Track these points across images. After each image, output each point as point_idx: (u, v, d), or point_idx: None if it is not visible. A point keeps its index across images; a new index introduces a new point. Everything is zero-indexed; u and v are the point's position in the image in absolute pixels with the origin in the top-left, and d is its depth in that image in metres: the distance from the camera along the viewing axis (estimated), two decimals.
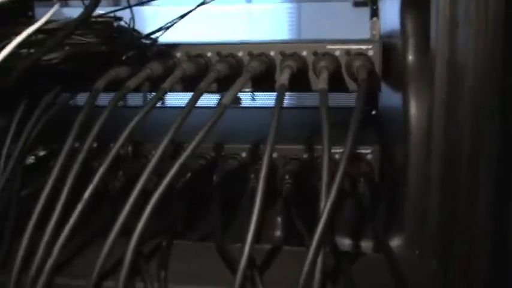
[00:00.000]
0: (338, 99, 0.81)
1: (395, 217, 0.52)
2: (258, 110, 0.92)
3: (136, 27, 0.68)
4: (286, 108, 0.90)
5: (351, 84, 0.61)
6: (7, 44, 0.50)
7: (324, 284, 0.42)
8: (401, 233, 0.50)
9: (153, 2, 0.78)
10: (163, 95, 0.53)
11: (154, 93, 0.55)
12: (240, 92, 0.58)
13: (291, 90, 0.59)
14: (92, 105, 0.53)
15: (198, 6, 0.67)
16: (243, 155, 0.64)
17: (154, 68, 0.58)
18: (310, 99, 0.93)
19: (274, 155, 0.62)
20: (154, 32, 0.66)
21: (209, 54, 0.62)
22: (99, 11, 0.76)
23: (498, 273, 0.44)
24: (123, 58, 0.63)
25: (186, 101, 0.50)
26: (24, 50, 0.53)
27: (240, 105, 0.94)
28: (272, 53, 0.62)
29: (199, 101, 0.51)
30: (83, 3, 0.65)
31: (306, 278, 0.39)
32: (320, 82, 0.52)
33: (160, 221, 0.53)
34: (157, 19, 1.00)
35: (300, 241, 0.55)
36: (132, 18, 0.65)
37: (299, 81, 0.59)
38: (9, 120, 0.57)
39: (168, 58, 0.62)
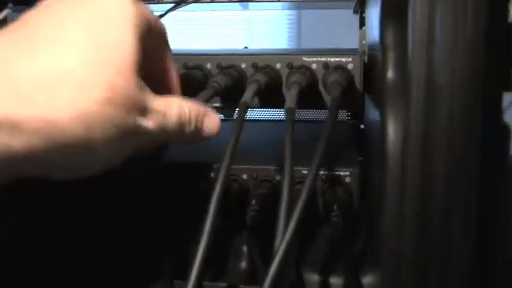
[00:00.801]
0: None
1: (370, 252, 0.47)
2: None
3: None
4: (264, 121, 0.86)
5: (328, 100, 0.55)
6: None
7: None
8: (375, 271, 0.45)
9: None
10: None
11: None
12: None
13: (260, 107, 0.54)
14: None
15: (166, 13, 0.62)
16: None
17: None
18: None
19: (244, 176, 0.57)
20: None
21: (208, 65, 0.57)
22: None
23: None
24: None
25: None
26: None
27: None
28: (243, 65, 0.56)
29: None
30: None
31: None
32: (287, 100, 0.47)
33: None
34: None
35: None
36: None
37: (270, 97, 0.54)
38: None
39: None
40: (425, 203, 0.36)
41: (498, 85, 0.34)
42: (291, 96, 0.48)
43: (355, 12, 1.00)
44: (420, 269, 0.38)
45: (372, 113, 0.60)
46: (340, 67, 0.55)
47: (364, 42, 0.82)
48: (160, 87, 0.41)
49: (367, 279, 0.45)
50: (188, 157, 0.59)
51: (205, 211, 0.39)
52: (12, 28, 0.32)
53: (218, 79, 0.52)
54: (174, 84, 0.45)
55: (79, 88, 0.30)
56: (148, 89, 0.36)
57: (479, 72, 0.32)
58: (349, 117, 0.87)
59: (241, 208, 0.54)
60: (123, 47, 0.34)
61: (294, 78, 0.51)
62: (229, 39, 2.84)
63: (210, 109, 0.42)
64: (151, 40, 0.38)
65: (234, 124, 0.43)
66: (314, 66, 0.56)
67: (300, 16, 2.85)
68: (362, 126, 0.82)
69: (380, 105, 0.48)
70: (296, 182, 0.56)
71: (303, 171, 0.56)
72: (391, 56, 0.48)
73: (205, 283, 0.53)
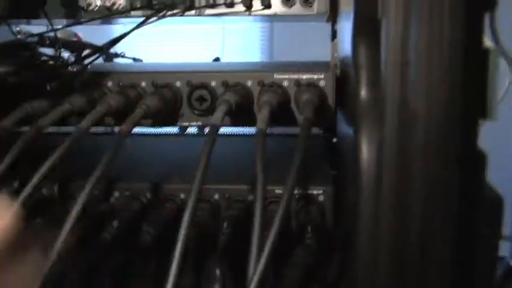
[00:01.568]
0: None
1: (346, 276, 0.46)
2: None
3: None
4: (238, 136, 0.85)
5: (300, 119, 0.54)
6: None
7: None
8: None
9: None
10: (80, 135, 0.46)
11: None
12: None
13: (231, 125, 0.53)
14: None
15: (135, 28, 0.60)
16: (182, 196, 0.57)
17: (76, 101, 0.51)
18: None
19: (216, 196, 0.56)
20: (84, 58, 0.60)
21: (143, 84, 0.56)
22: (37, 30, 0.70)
23: None
24: (48, 88, 0.56)
25: None
26: None
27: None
28: (213, 84, 0.55)
29: None
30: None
31: None
32: (258, 121, 0.46)
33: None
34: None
35: None
36: (57, 42, 0.58)
37: (240, 115, 0.52)
38: None
39: (97, 88, 0.55)
40: (401, 222, 0.35)
41: (474, 108, 0.33)
42: (262, 117, 0.46)
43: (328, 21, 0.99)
44: None
45: (345, 128, 0.59)
46: (312, 84, 0.54)
47: (336, 54, 0.81)
48: None
49: None
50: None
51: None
52: None
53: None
54: None
55: None
56: None
57: (455, 93, 0.31)
58: (321, 131, 0.86)
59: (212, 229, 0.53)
60: None
61: (265, 97, 0.50)
62: (201, 50, 2.82)
63: None
64: None
65: (204, 146, 0.42)
66: (286, 83, 0.55)
67: (272, 28, 2.86)
68: (335, 139, 0.81)
69: (353, 122, 0.47)
70: (269, 202, 0.55)
71: (276, 191, 0.55)
72: (363, 74, 0.46)
73: None
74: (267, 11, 0.68)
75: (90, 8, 0.70)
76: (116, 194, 0.57)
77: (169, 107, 0.54)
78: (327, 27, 0.85)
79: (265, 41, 2.91)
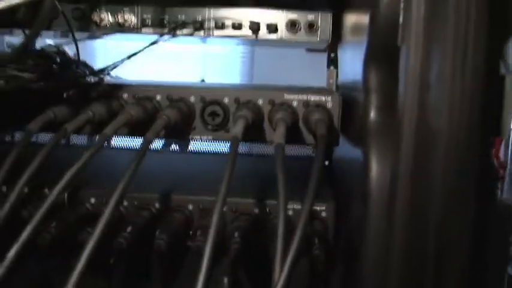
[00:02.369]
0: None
1: (352, 284, 0.48)
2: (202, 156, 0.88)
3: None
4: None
5: (308, 137, 0.58)
6: None
7: None
8: None
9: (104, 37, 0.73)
10: (104, 142, 0.48)
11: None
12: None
13: (243, 140, 0.56)
14: (24, 147, 0.47)
15: (148, 46, 0.63)
16: (190, 207, 0.59)
17: (97, 110, 0.53)
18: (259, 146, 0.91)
19: (224, 208, 0.58)
20: (101, 70, 0.62)
21: (158, 97, 0.58)
22: (49, 42, 0.72)
23: None
24: (65, 96, 0.58)
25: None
26: None
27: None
28: (226, 100, 0.58)
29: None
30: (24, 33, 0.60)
31: None
32: (276, 136, 0.48)
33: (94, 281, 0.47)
34: (106, 53, 0.95)
35: None
36: (77, 53, 0.60)
37: (253, 131, 0.55)
38: None
39: (113, 99, 0.57)
40: (416, 239, 0.38)
41: (491, 128, 0.36)
42: (279, 132, 0.49)
43: (308, 51, 1.03)
44: None
45: (347, 150, 0.63)
46: (320, 105, 0.57)
47: (331, 81, 0.85)
48: None
49: None
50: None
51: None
52: None
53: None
54: None
55: None
56: None
57: (476, 118, 0.34)
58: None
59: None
60: None
61: (280, 115, 0.53)
62: (182, 71, 2.84)
63: None
64: None
65: (228, 159, 0.45)
66: (295, 103, 0.58)
67: (253, 52, 2.91)
68: (326, 163, 0.85)
69: (362, 144, 0.50)
70: (274, 216, 0.58)
71: None
72: (373, 98, 0.50)
73: None
74: (272, 36, 0.72)
75: (103, 23, 0.72)
76: (125, 203, 0.59)
77: (185, 120, 0.56)
78: (305, 54, 0.90)
79: (245, 65, 2.97)
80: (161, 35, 0.66)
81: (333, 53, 0.85)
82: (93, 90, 0.58)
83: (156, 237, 0.52)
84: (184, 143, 0.88)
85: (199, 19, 0.71)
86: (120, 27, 0.72)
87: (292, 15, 0.72)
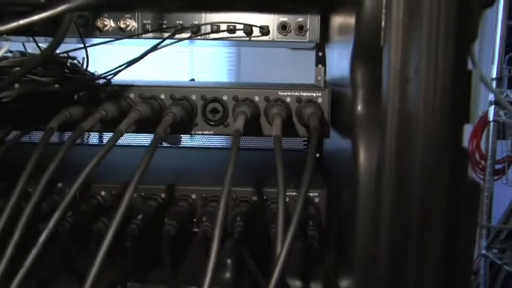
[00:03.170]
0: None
1: (345, 259, 0.54)
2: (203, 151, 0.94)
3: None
4: (227, 149, 0.93)
5: (301, 130, 0.63)
6: None
7: None
8: (351, 275, 0.52)
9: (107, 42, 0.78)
10: (119, 138, 0.53)
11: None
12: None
13: (243, 134, 0.61)
14: (45, 145, 0.52)
15: (149, 52, 0.68)
16: (193, 196, 0.64)
17: (109, 109, 0.58)
18: (250, 140, 0.96)
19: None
20: (107, 73, 0.67)
21: (162, 96, 0.63)
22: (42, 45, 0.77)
23: None
24: (75, 97, 0.63)
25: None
26: None
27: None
28: (225, 98, 0.63)
29: None
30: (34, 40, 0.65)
31: None
32: (274, 129, 0.54)
33: (111, 264, 0.52)
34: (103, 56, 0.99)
35: (249, 284, 0.56)
36: (86, 58, 0.65)
37: (251, 126, 0.61)
38: None
39: (121, 99, 0.62)
40: (400, 212, 0.44)
41: (461, 115, 0.42)
42: (276, 125, 0.55)
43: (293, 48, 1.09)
44: (396, 270, 0.45)
45: (336, 143, 0.68)
46: (311, 101, 0.63)
47: (320, 78, 0.90)
48: None
49: (344, 283, 0.52)
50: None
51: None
52: None
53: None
54: None
55: None
56: None
57: (449, 107, 0.40)
58: (305, 146, 0.96)
59: None
60: None
61: (276, 110, 0.58)
62: (170, 71, 2.90)
63: None
64: None
65: (231, 151, 0.50)
66: (288, 99, 0.63)
67: (239, 51, 2.98)
68: (317, 155, 0.91)
69: (351, 134, 0.56)
70: (271, 202, 0.63)
71: None
72: (360, 92, 0.56)
73: None
74: (265, 38, 0.77)
75: (105, 28, 0.77)
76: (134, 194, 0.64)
77: (188, 117, 0.61)
78: (290, 52, 0.96)
79: (232, 64, 3.03)
80: (162, 39, 0.71)
81: (320, 51, 0.91)
82: (103, 91, 0.63)
83: (165, 223, 0.58)
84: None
85: (196, 23, 0.77)
86: (122, 32, 0.77)
87: (283, 18, 0.77)
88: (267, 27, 0.77)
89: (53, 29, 0.60)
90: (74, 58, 0.64)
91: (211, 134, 0.64)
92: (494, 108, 2.17)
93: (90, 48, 0.70)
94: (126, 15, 0.77)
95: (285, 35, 0.78)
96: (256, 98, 0.63)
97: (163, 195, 0.64)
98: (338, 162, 0.67)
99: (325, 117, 0.63)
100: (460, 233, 0.44)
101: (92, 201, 0.64)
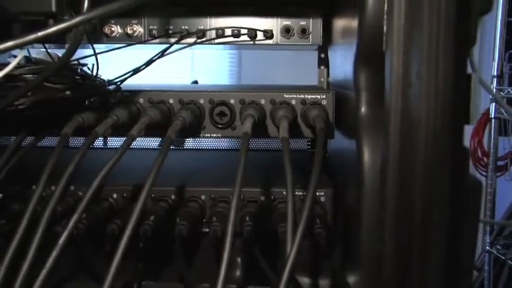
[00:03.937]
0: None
1: (351, 257, 0.56)
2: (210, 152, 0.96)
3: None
4: (234, 150, 0.95)
5: (306, 131, 0.65)
6: None
7: None
8: (357, 272, 0.54)
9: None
10: (132, 142, 0.55)
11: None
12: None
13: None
14: (61, 150, 0.54)
15: (157, 58, 0.70)
16: (203, 197, 0.66)
17: (120, 114, 0.60)
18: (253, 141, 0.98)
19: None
20: (117, 79, 0.69)
21: (171, 100, 0.65)
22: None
23: None
24: (86, 103, 0.65)
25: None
26: None
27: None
28: (232, 101, 0.65)
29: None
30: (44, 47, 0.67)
31: None
32: (281, 131, 0.56)
33: (125, 264, 0.54)
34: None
35: (259, 281, 0.58)
36: (97, 64, 0.67)
37: (257, 128, 0.62)
38: None
39: (131, 104, 0.64)
40: (404, 210, 0.46)
41: (461, 116, 0.44)
42: (283, 127, 0.56)
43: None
44: (401, 267, 0.47)
45: (340, 143, 0.70)
46: (316, 103, 0.65)
47: (322, 79, 0.92)
48: None
49: (350, 279, 0.54)
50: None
51: None
52: None
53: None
54: None
55: None
56: None
57: (449, 109, 0.42)
58: (309, 147, 0.97)
59: None
60: None
61: (282, 112, 0.60)
62: (171, 73, 2.92)
63: None
64: None
65: (240, 153, 0.52)
66: (293, 102, 0.65)
67: (240, 54, 3.00)
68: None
69: (355, 136, 0.58)
70: (278, 202, 0.65)
71: (283, 193, 0.66)
72: (364, 95, 0.58)
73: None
74: (269, 41, 0.79)
75: (112, 34, 0.79)
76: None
77: (196, 120, 0.63)
78: (289, 53, 0.97)
79: (234, 65, 3.05)
80: (169, 44, 0.73)
81: (322, 53, 0.92)
82: (113, 97, 0.65)
83: (177, 223, 0.60)
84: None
85: (201, 28, 0.79)
86: (129, 38, 0.79)
87: (286, 22, 0.79)
88: (271, 31, 0.79)
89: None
90: (84, 65, 0.66)
91: (219, 137, 0.66)
92: (496, 106, 2.19)
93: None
94: (133, 21, 0.79)
95: (289, 39, 0.80)
96: (263, 101, 0.65)
97: (173, 197, 0.66)
98: (342, 162, 0.69)
99: (330, 119, 0.65)
100: (463, 230, 0.46)
101: (104, 204, 0.66)
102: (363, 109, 0.57)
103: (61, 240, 0.47)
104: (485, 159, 2.35)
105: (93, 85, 0.65)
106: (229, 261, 0.45)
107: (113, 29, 0.79)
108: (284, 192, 0.66)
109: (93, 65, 0.68)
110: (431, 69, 0.42)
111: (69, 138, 0.56)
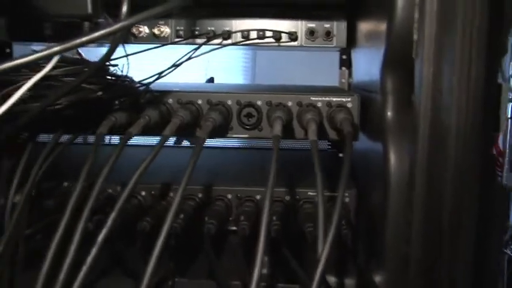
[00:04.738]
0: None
1: (376, 257, 0.57)
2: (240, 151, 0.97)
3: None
4: (251, 149, 0.97)
5: (331, 133, 0.66)
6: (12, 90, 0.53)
7: None
8: (383, 271, 0.55)
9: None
10: (165, 142, 0.56)
11: None
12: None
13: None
14: (98, 149, 0.56)
15: (186, 59, 0.71)
16: (229, 196, 0.68)
17: (151, 115, 0.61)
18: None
19: (258, 197, 0.67)
20: (146, 80, 0.70)
21: (200, 101, 0.67)
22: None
23: None
24: (116, 103, 0.66)
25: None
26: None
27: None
28: (259, 103, 0.67)
29: None
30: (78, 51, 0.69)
31: None
32: (310, 134, 0.57)
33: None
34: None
35: (285, 279, 0.60)
36: (128, 65, 0.69)
37: (285, 130, 0.64)
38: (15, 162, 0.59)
39: (160, 104, 0.66)
40: (432, 213, 0.47)
41: (491, 124, 0.45)
42: (311, 130, 0.58)
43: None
44: (428, 268, 0.48)
45: (364, 144, 0.71)
46: (341, 106, 0.66)
47: (343, 80, 0.93)
48: None
49: (376, 279, 0.55)
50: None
51: None
52: None
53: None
54: None
55: None
56: None
57: (479, 118, 0.43)
58: (329, 147, 0.99)
59: None
60: None
61: (310, 115, 0.62)
62: (186, 72, 2.92)
63: None
64: None
65: (272, 155, 0.53)
66: (319, 104, 0.66)
67: (255, 53, 3.01)
68: (341, 155, 0.94)
69: (381, 139, 0.59)
70: (303, 202, 0.67)
71: (308, 193, 0.67)
72: (390, 99, 0.59)
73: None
74: (293, 43, 0.81)
75: (140, 35, 0.81)
76: (171, 194, 0.68)
77: (224, 121, 0.65)
78: (302, 54, 0.98)
79: (248, 61, 3.06)
80: (197, 45, 0.74)
81: (344, 55, 0.94)
82: (143, 97, 0.67)
83: (205, 222, 0.61)
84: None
85: (227, 29, 0.80)
86: (156, 38, 0.81)
87: (311, 24, 0.81)
88: (295, 33, 0.81)
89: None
90: (115, 65, 0.67)
91: (246, 138, 0.67)
92: (511, 106, 2.19)
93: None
94: (160, 22, 0.81)
95: (313, 41, 0.81)
96: (289, 103, 0.66)
97: (200, 195, 0.68)
98: (366, 164, 0.70)
99: (355, 121, 0.66)
100: (490, 234, 0.47)
101: (133, 201, 0.68)
102: (389, 113, 0.58)
103: (100, 238, 0.49)
104: (500, 159, 2.35)
105: (124, 86, 0.67)
106: (262, 262, 0.47)
107: (140, 29, 0.81)
108: (309, 193, 0.68)
109: (124, 65, 0.70)
110: (462, 78, 0.44)
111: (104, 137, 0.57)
